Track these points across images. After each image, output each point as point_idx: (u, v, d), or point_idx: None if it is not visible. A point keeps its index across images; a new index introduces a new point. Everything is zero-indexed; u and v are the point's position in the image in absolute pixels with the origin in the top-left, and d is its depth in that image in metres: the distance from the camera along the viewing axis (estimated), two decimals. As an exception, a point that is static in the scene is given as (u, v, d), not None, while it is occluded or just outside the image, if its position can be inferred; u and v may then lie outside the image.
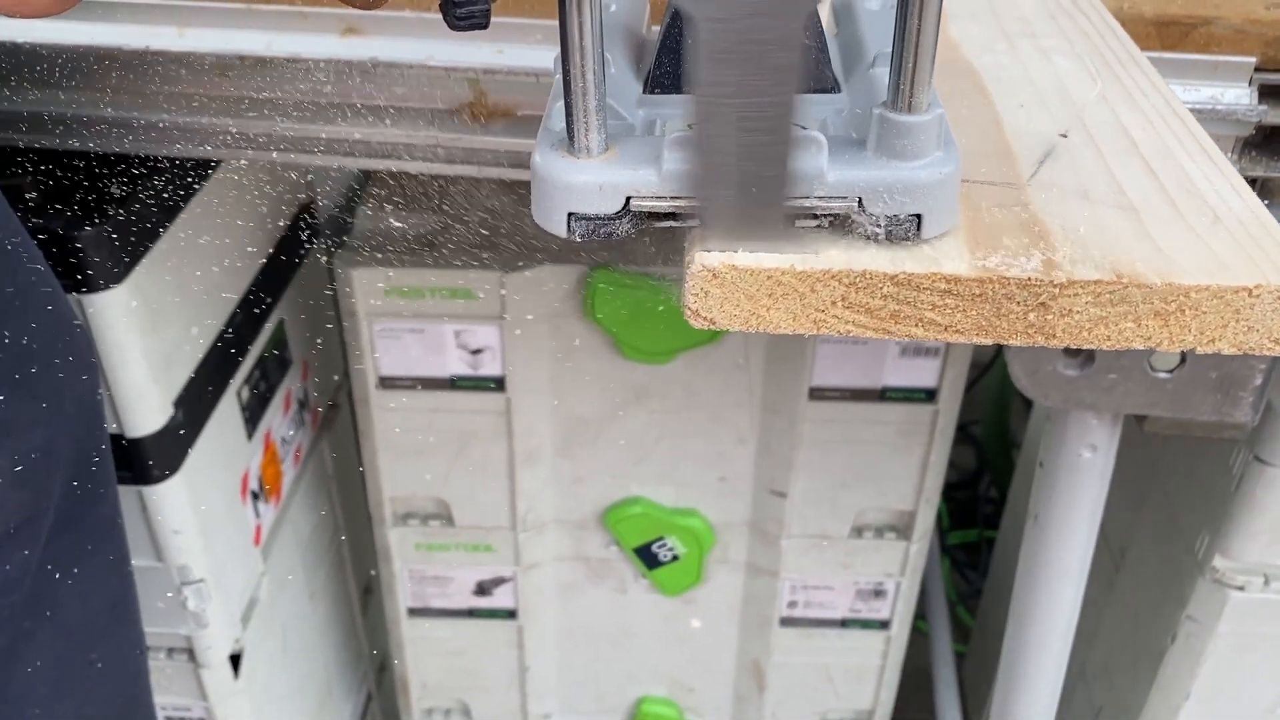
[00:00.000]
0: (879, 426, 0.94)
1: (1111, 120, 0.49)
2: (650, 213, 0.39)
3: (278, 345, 0.97)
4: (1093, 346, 0.40)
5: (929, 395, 0.92)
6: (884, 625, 1.07)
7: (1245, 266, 0.39)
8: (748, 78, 0.33)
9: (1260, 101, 0.58)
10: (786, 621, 1.07)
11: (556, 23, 0.61)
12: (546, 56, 0.60)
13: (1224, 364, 0.63)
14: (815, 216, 0.39)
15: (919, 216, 0.38)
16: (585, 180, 0.38)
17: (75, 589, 0.61)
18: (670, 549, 1.02)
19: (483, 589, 1.05)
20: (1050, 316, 0.39)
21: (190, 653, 0.88)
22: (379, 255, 0.87)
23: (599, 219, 0.39)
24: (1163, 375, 0.63)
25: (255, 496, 0.94)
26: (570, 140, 0.39)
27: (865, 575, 1.03)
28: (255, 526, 0.94)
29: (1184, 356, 0.63)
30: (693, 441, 0.97)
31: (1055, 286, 0.38)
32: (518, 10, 0.60)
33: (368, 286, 0.87)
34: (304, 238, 1.00)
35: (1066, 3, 0.63)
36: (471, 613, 1.06)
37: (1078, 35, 0.59)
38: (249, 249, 0.90)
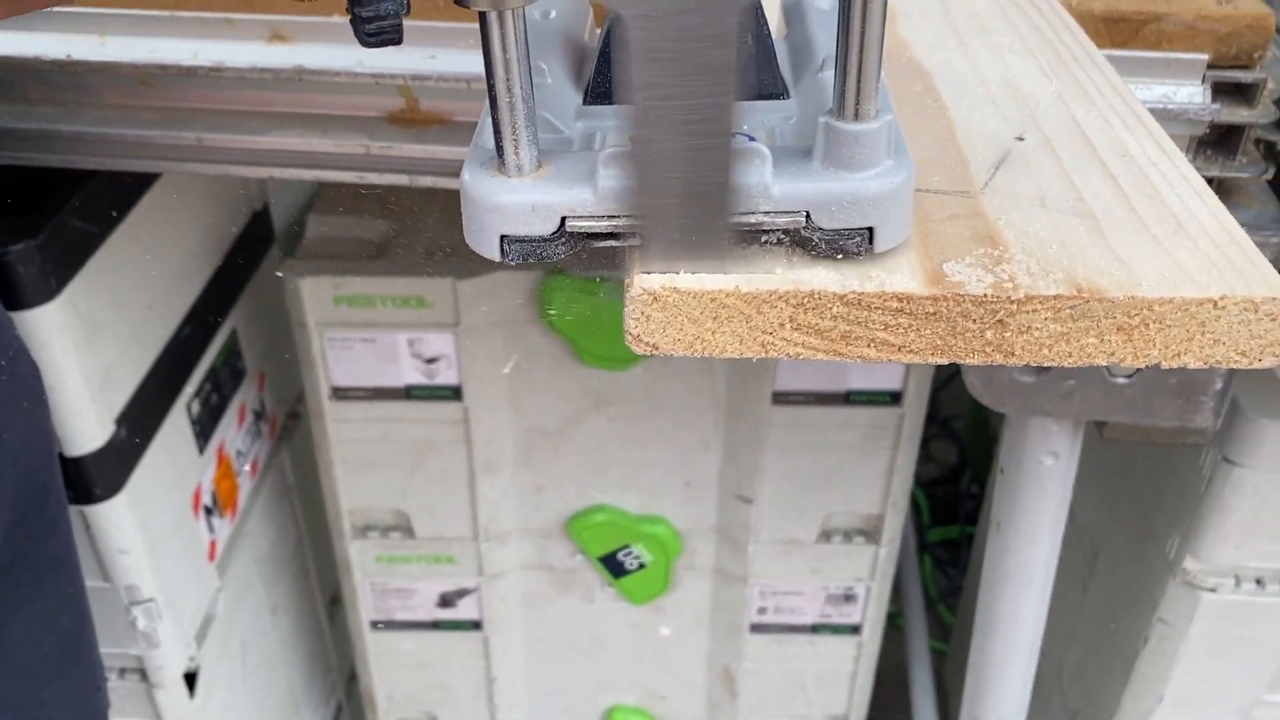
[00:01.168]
0: (844, 430, 0.92)
1: (1068, 121, 0.47)
2: (588, 233, 0.37)
3: (230, 356, 0.95)
4: (1053, 364, 0.38)
5: (894, 398, 0.90)
6: (855, 630, 1.05)
7: (1210, 277, 0.37)
8: (682, 78, 0.31)
9: (1213, 99, 0.56)
10: (757, 628, 1.05)
11: None
12: (480, 62, 0.58)
13: (1183, 369, 0.61)
14: (761, 233, 0.37)
15: (870, 230, 0.36)
16: (516, 200, 0.36)
17: (24, 629, 0.58)
18: (636, 557, 1.00)
19: (446, 601, 1.03)
20: (1008, 334, 0.37)
21: (143, 673, 0.86)
22: (328, 263, 0.85)
23: (533, 241, 0.36)
24: (1121, 381, 0.62)
25: (209, 512, 0.92)
26: (500, 157, 0.36)
27: (835, 580, 1.02)
28: (209, 542, 0.92)
29: (1142, 361, 0.62)
30: (656, 448, 0.95)
31: (1013, 303, 0.36)
32: (450, 14, 0.58)
33: (317, 295, 0.85)
34: (256, 246, 0.98)
35: (1020, -1, 0.61)
36: (436, 625, 1.04)
37: (1031, 31, 0.57)
38: (196, 260, 0.88)
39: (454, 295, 0.84)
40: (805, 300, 0.36)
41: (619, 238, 0.37)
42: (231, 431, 0.96)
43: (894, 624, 1.38)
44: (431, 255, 0.85)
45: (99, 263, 0.73)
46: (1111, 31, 0.55)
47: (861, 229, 0.36)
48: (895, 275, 0.37)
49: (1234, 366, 0.37)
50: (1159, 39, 0.55)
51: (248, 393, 0.99)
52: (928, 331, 0.37)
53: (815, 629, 1.05)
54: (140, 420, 0.79)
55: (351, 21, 0.34)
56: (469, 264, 0.84)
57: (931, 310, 0.36)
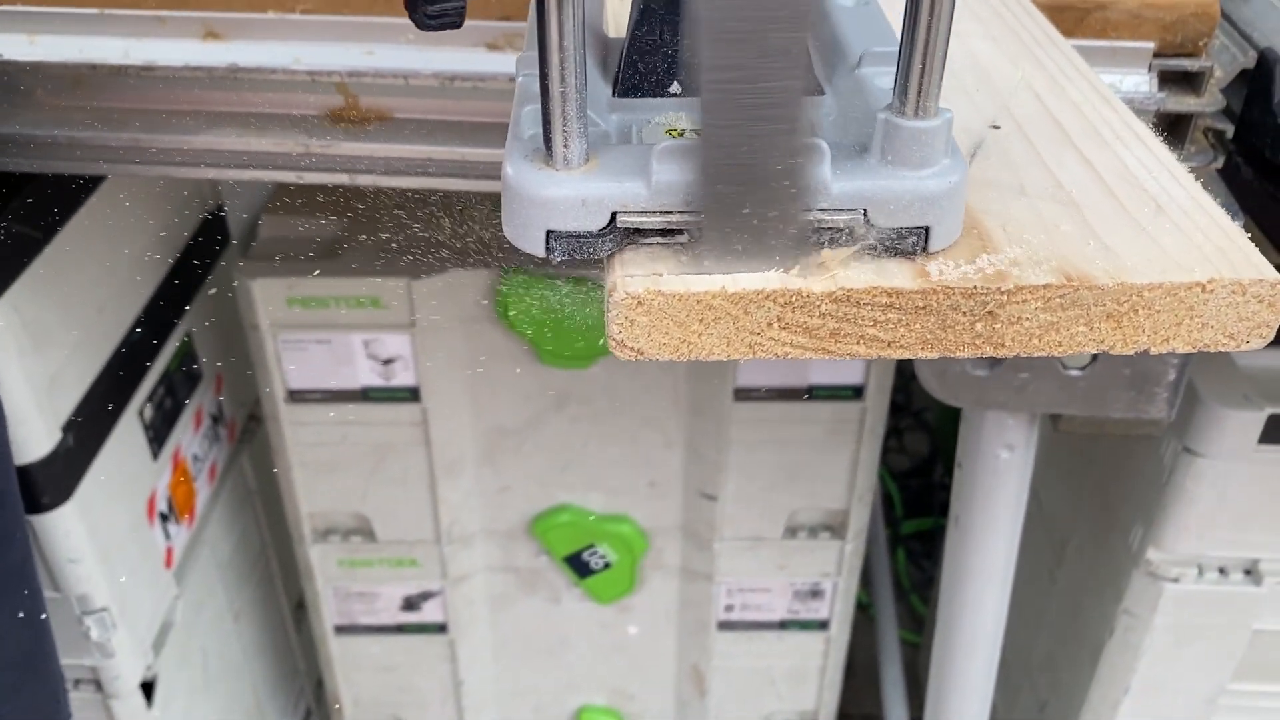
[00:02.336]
0: (807, 426, 0.92)
1: (1039, 108, 0.46)
2: (638, 229, 0.36)
3: (185, 360, 0.93)
4: (1044, 354, 0.37)
5: (856, 393, 0.90)
6: (823, 625, 1.05)
7: (1195, 260, 0.36)
8: (752, 60, 0.30)
9: (1161, 88, 0.56)
10: (724, 625, 1.04)
11: None
12: (418, 57, 0.57)
13: (1136, 360, 0.61)
14: (817, 230, 0.36)
15: (927, 229, 0.36)
16: (567, 194, 0.34)
17: None
18: (601, 556, 1.00)
19: (410, 604, 1.02)
20: (998, 325, 0.36)
21: (98, 683, 0.85)
22: (281, 265, 0.83)
23: (581, 236, 0.35)
24: (1075, 373, 0.61)
25: (164, 518, 0.90)
26: (547, 150, 0.35)
27: (801, 576, 1.01)
28: (166, 549, 0.91)
29: (1095, 354, 0.61)
30: (619, 446, 0.95)
31: (1003, 294, 0.35)
32: (387, 9, 0.57)
33: (269, 297, 0.84)
34: (211, 248, 0.96)
35: (979, -17, 0.60)
36: (401, 628, 1.03)
37: (993, 17, 0.56)
38: (147, 263, 0.87)
39: (409, 295, 0.83)
40: (793, 299, 0.35)
41: (670, 234, 0.36)
42: (188, 436, 0.94)
43: (870, 615, 1.38)
44: (386, 255, 0.84)
45: (42, 267, 0.71)
46: (1057, 20, 0.54)
47: (919, 228, 0.36)
48: (885, 270, 0.36)
49: (1221, 349, 0.37)
50: (1104, 27, 0.54)
51: (205, 396, 0.97)
52: (917, 326, 0.36)
53: (783, 625, 1.05)
54: (88, 427, 0.78)
55: (408, 4, 0.33)
56: (423, 264, 0.83)
57: (921, 304, 0.36)
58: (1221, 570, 0.86)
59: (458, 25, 0.33)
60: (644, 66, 0.41)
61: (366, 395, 0.88)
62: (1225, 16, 0.64)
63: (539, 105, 0.35)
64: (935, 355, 0.37)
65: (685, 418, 0.93)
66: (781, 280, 0.35)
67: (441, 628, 1.03)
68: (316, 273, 0.81)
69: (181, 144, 0.59)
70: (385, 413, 0.89)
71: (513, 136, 0.37)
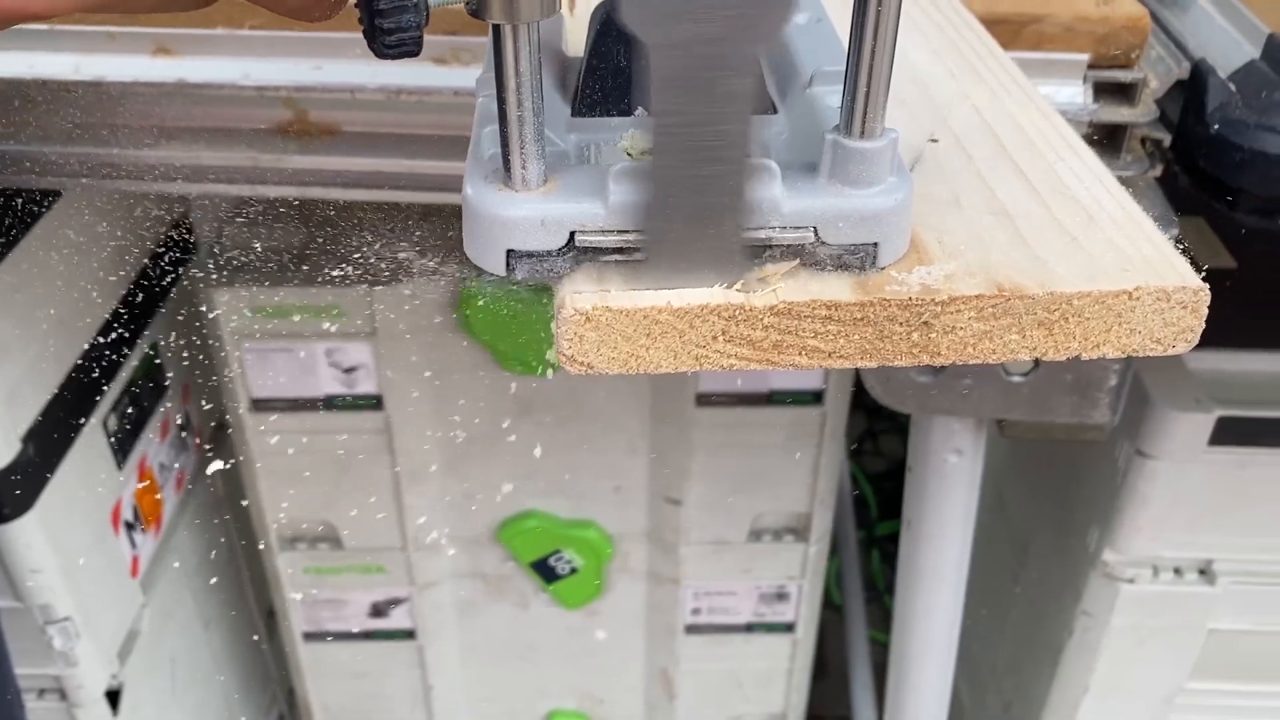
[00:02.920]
0: (768, 430, 0.93)
1: (977, 121, 0.47)
2: (596, 248, 0.37)
3: (150, 369, 0.93)
4: (979, 361, 0.38)
5: (816, 397, 0.91)
6: (789, 628, 1.05)
7: (1123, 269, 0.37)
8: (701, 105, 0.32)
9: (1097, 99, 0.57)
10: (691, 629, 1.05)
11: None
12: (365, 72, 0.58)
13: (1078, 365, 0.62)
14: (769, 248, 0.37)
15: (875, 245, 0.37)
16: (526, 215, 0.35)
17: None
18: (568, 562, 1.00)
19: (379, 610, 1.02)
20: (934, 335, 0.37)
21: (62, 693, 0.85)
22: (243, 275, 0.84)
23: (540, 255, 0.36)
24: (1017, 379, 0.62)
25: (130, 527, 0.91)
26: (506, 171, 0.36)
27: (766, 579, 1.02)
28: (131, 558, 0.91)
29: (1037, 360, 0.62)
30: (584, 452, 0.95)
31: (937, 304, 0.36)
32: (335, 24, 0.57)
33: (232, 307, 0.84)
34: (176, 257, 0.97)
35: (918, -6, 0.61)
36: (369, 635, 1.04)
37: (933, 30, 0.57)
38: (109, 273, 0.87)
39: (370, 304, 0.84)
40: (736, 313, 0.36)
41: (627, 252, 0.37)
42: (154, 445, 0.95)
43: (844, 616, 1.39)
44: (347, 264, 0.85)
45: (-1, 279, 0.72)
46: (993, 33, 0.55)
47: (867, 244, 0.37)
48: (824, 283, 0.37)
49: (1149, 354, 0.38)
50: (1039, 40, 0.55)
51: (172, 405, 0.98)
52: (856, 337, 0.37)
53: (750, 628, 1.05)
54: (50, 438, 0.78)
55: (367, 32, 0.33)
56: (384, 273, 0.83)
57: (859, 316, 0.37)
58: (1176, 571, 0.87)
59: (415, 53, 0.34)
60: (602, 86, 0.42)
61: (330, 404, 0.89)
62: (1162, 28, 0.65)
63: (498, 126, 0.36)
64: (875, 364, 0.38)
65: (648, 424, 0.94)
66: (725, 295, 0.36)
67: (410, 634, 1.04)
68: (268, 284, 0.82)
69: (132, 158, 0.59)
70: (349, 421, 0.90)
71: (473, 157, 0.38)
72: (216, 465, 1.05)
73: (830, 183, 0.37)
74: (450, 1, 0.33)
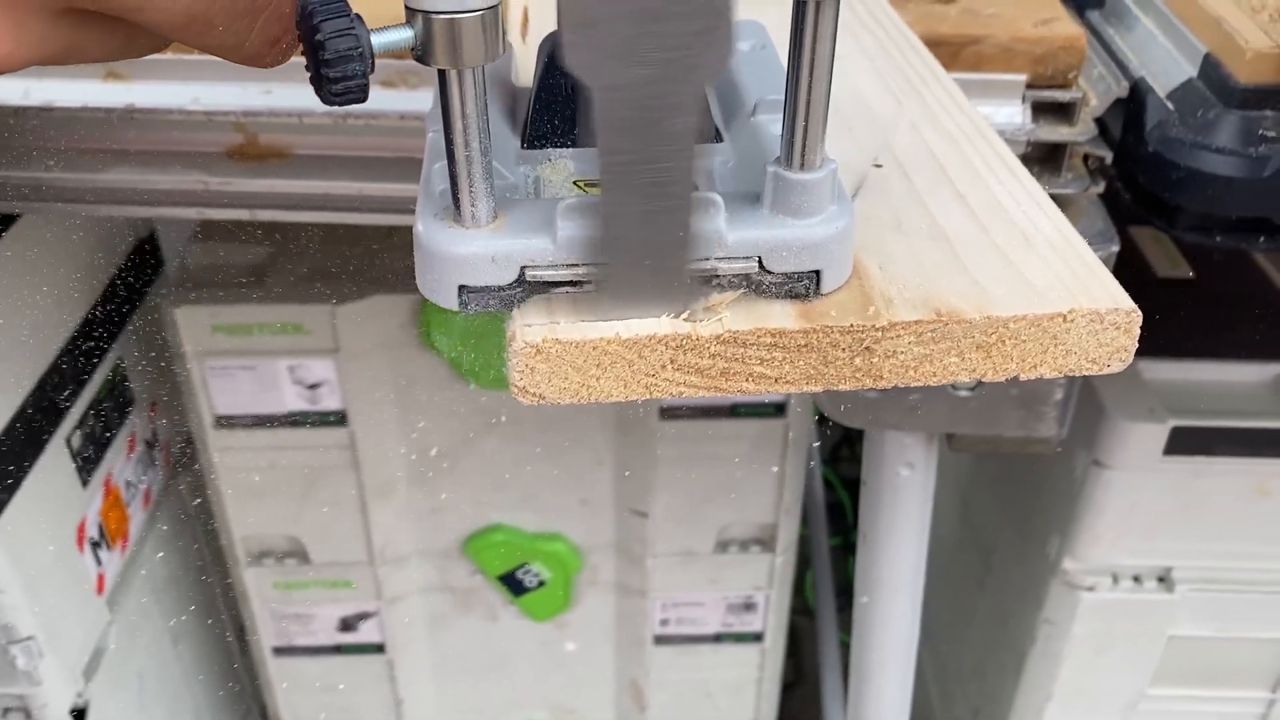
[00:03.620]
0: (732, 442, 0.93)
1: (919, 144, 0.48)
2: (547, 281, 0.37)
3: (116, 386, 0.94)
4: (920, 383, 0.39)
5: (779, 409, 0.91)
6: (757, 638, 1.06)
7: (1058, 291, 0.38)
8: (645, 145, 0.32)
9: (1037, 118, 0.58)
10: (660, 640, 1.06)
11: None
12: (313, 95, 0.58)
13: (1023, 381, 0.63)
14: (716, 277, 0.38)
15: (818, 272, 0.38)
16: (476, 251, 0.36)
17: None
18: (535, 574, 1.01)
19: (347, 625, 1.02)
20: (875, 360, 0.38)
21: (26, 711, 0.85)
22: (204, 292, 0.84)
23: (492, 290, 0.37)
24: (964, 394, 0.63)
25: (95, 545, 0.91)
26: (456, 208, 0.36)
27: (734, 589, 1.03)
28: (97, 576, 0.91)
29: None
30: (550, 465, 0.96)
31: (878, 330, 0.37)
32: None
33: (194, 325, 0.84)
34: (142, 275, 0.97)
35: (866, 16, 0.61)
36: (339, 649, 1.04)
37: (879, 52, 0.57)
38: (72, 292, 0.87)
39: (332, 321, 0.84)
40: (684, 342, 0.37)
41: (578, 285, 0.37)
42: (120, 462, 0.95)
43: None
44: (310, 281, 0.85)
45: (-43, 301, 0.72)
46: (932, 54, 0.56)
47: (810, 272, 0.37)
48: (768, 312, 0.38)
49: (1086, 374, 0.39)
50: (978, 61, 0.56)
51: (138, 422, 0.98)
52: (801, 363, 0.38)
53: (718, 638, 1.06)
54: (11, 457, 0.79)
55: (314, 80, 0.34)
56: (346, 289, 0.84)
57: (803, 343, 0.37)
58: (1136, 579, 0.88)
59: (362, 100, 0.34)
60: (551, 117, 0.43)
61: (294, 420, 0.89)
62: (1105, 45, 0.66)
63: (447, 165, 0.36)
64: (821, 389, 0.39)
65: (613, 436, 0.94)
66: (672, 325, 0.37)
67: (379, 648, 1.04)
68: (228, 301, 0.82)
69: (83, 182, 0.60)
70: (313, 437, 0.90)
71: (424, 193, 0.39)
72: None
73: (773, 213, 0.37)
74: (395, 48, 0.34)
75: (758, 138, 0.42)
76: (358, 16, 0.32)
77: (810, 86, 0.35)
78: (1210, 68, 0.58)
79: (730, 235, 0.37)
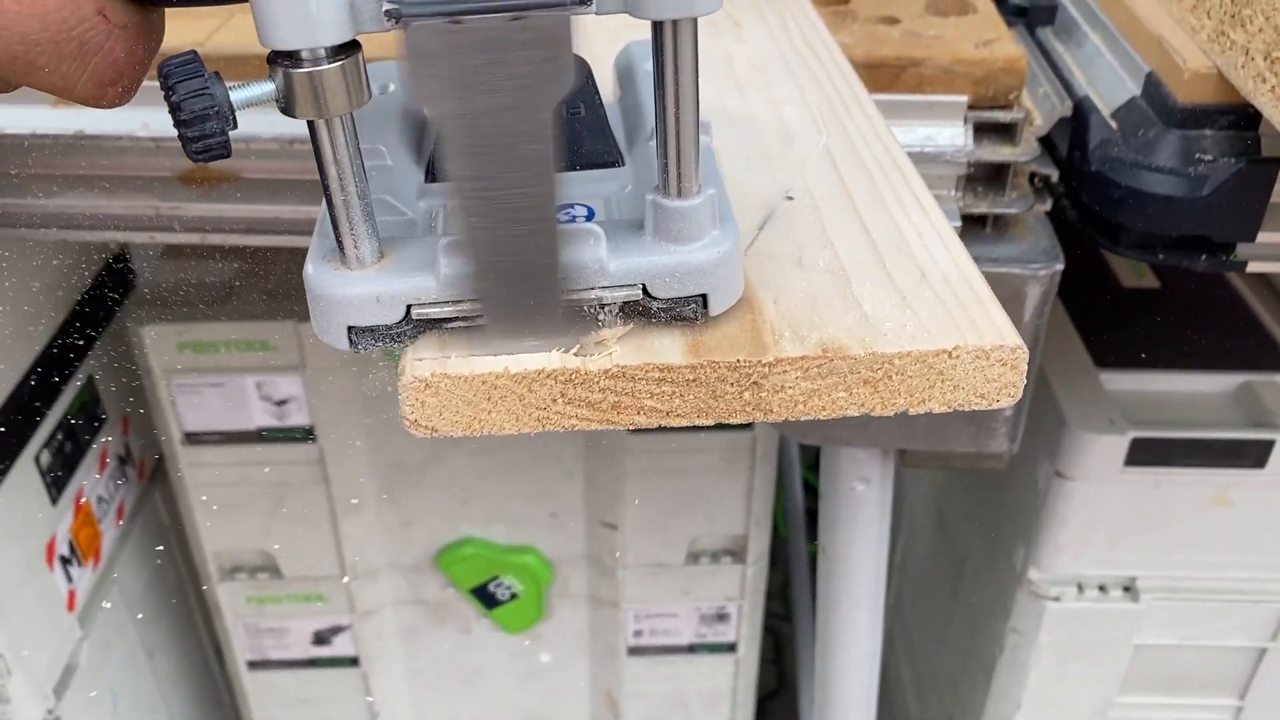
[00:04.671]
0: (701, 454, 0.94)
1: (832, 175, 0.48)
2: (434, 319, 0.37)
3: (87, 404, 0.94)
4: (809, 417, 0.39)
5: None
6: (731, 648, 1.06)
7: (945, 328, 0.38)
8: (501, 171, 0.32)
9: (979, 139, 0.58)
10: (634, 651, 1.06)
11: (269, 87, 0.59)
12: (264, 121, 0.59)
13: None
14: (601, 306, 0.38)
15: (704, 296, 0.38)
16: (360, 292, 0.36)
17: None
18: (507, 587, 1.01)
19: (321, 638, 1.03)
20: (764, 394, 0.38)
21: (-4, 729, 0.85)
22: (169, 310, 0.84)
23: (380, 329, 0.37)
24: (914, 411, 0.63)
25: (66, 561, 0.91)
26: (340, 251, 0.37)
27: (706, 600, 1.03)
28: (68, 592, 0.92)
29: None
30: (520, 479, 0.96)
31: (764, 366, 0.38)
32: (232, 74, 0.58)
33: (160, 343, 0.85)
34: (112, 293, 0.97)
35: (802, 46, 0.62)
36: (313, 662, 1.04)
37: (810, 82, 0.57)
38: (41, 311, 0.88)
39: (297, 337, 0.85)
40: (573, 377, 0.37)
41: (464, 320, 0.37)
42: (91, 479, 0.95)
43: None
44: (275, 298, 0.86)
45: (-81, 323, 0.73)
46: (874, 76, 0.56)
47: (696, 296, 0.38)
48: (657, 346, 0.38)
49: (975, 408, 0.39)
50: (919, 83, 0.57)
51: (110, 438, 0.98)
52: (690, 397, 0.38)
53: (692, 649, 1.06)
54: (-22, 476, 0.79)
55: (179, 138, 0.34)
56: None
57: (691, 378, 0.38)
58: (1101, 588, 0.89)
59: (225, 156, 0.34)
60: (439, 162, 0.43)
61: (262, 436, 0.90)
62: (1052, 64, 0.66)
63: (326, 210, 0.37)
64: (712, 422, 0.39)
65: (582, 449, 0.94)
66: (561, 359, 0.37)
67: (353, 661, 1.04)
68: (193, 319, 0.82)
69: (33, 207, 0.60)
70: (282, 452, 0.91)
71: (317, 234, 0.39)
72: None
73: (656, 240, 0.38)
74: (257, 101, 0.34)
75: (653, 162, 0.42)
76: (215, 75, 0.32)
77: (677, 114, 0.35)
78: (1152, 87, 0.58)
79: (612, 264, 0.37)
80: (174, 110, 0.32)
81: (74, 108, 0.59)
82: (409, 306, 0.37)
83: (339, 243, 0.36)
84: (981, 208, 0.59)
